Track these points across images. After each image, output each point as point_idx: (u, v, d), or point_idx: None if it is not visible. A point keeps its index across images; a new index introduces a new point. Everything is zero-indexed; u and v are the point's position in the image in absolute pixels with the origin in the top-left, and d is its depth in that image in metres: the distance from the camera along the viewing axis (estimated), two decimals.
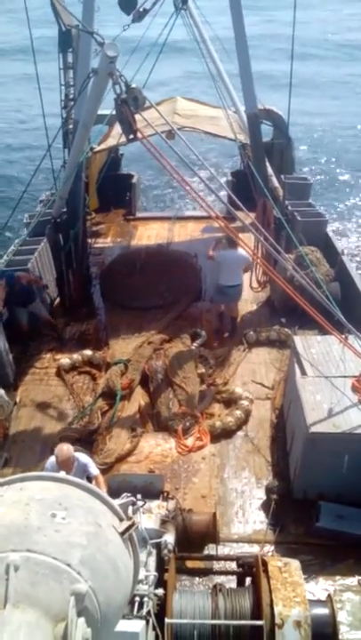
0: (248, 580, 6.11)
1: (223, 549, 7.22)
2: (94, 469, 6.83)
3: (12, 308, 10.85)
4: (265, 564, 5.57)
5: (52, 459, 6.69)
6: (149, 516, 6.25)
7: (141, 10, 10.47)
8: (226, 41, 13.19)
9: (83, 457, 6.83)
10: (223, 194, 12.48)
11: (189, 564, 6.85)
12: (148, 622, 5.04)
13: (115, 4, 10.35)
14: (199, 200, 7.95)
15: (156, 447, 8.89)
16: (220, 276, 11.14)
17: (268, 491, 7.89)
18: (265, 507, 7.83)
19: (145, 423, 9.40)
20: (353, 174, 26.97)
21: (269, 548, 7.27)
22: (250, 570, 6.01)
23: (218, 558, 6.90)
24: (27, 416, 9.71)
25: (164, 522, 6.38)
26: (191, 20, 13.41)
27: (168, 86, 32.55)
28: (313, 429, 7.12)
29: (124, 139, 8.51)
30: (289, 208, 13.02)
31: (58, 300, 12.83)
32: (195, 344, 11.12)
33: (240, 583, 6.24)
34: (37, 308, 11.36)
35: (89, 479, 6.76)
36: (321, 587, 6.74)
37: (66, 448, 6.55)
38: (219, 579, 6.70)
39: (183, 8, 12.56)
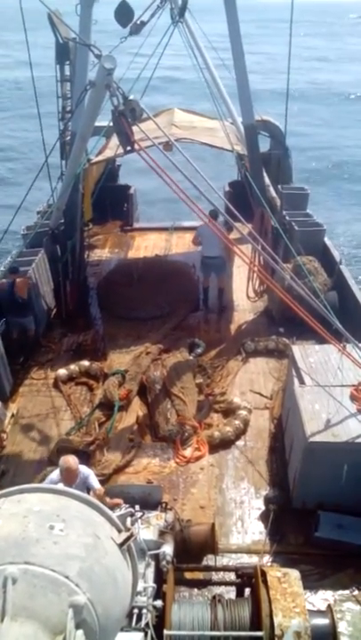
0: (247, 591, 6.09)
1: (222, 560, 7.18)
2: (95, 482, 6.74)
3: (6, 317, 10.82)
4: (264, 574, 5.55)
5: (53, 475, 6.59)
6: (148, 527, 6.23)
7: (138, 22, 10.52)
8: (222, 52, 13.27)
9: (84, 469, 6.78)
10: (221, 204, 12.55)
11: (188, 575, 6.83)
12: (146, 634, 5.02)
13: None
14: (196, 211, 7.96)
15: (154, 458, 8.87)
16: (202, 249, 12.44)
17: (267, 501, 7.86)
18: (264, 517, 7.80)
19: (143, 434, 9.37)
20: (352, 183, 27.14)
21: (269, 559, 7.22)
22: (249, 580, 5.99)
23: (217, 569, 6.88)
24: (24, 427, 9.67)
25: (162, 533, 6.36)
26: (188, 32, 13.50)
27: (166, 97, 32.77)
28: (312, 439, 7.10)
29: (121, 150, 8.53)
30: (287, 218, 13.09)
31: (55, 310, 12.84)
32: (193, 354, 11.12)
33: (239, 594, 6.21)
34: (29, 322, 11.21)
35: (88, 491, 6.72)
36: (321, 597, 6.70)
37: (72, 459, 6.47)
38: (218, 589, 6.66)
39: (180, 21, 12.62)
